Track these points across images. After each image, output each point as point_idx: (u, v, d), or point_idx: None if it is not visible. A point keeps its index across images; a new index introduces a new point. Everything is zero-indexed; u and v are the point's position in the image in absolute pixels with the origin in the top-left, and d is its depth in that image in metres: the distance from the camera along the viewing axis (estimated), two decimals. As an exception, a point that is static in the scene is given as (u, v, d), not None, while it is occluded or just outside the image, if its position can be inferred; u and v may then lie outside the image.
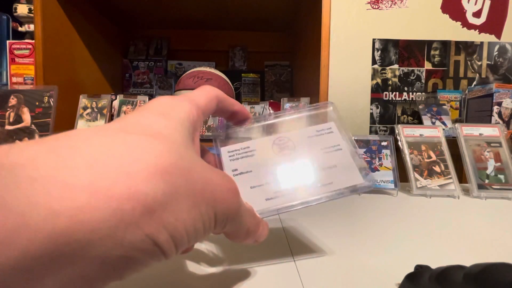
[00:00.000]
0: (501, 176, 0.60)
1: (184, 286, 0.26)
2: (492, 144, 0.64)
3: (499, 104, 0.89)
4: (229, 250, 0.33)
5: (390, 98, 1.04)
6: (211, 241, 0.35)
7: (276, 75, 1.34)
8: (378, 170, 0.63)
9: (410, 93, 1.04)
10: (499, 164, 0.62)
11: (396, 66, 1.03)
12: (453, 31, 1.03)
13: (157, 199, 0.12)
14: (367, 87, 1.04)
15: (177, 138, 0.15)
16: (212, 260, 0.31)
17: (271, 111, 0.96)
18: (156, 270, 0.27)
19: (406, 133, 0.66)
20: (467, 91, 1.01)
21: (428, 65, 1.04)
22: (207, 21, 1.25)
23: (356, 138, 0.67)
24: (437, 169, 0.62)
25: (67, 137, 0.12)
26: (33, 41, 0.84)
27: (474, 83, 1.05)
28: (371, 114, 1.04)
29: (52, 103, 0.69)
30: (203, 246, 0.33)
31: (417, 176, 0.61)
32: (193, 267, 0.29)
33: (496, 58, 1.04)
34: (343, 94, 1.04)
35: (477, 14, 1.03)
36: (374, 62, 1.03)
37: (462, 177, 0.84)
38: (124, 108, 0.78)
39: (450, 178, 0.61)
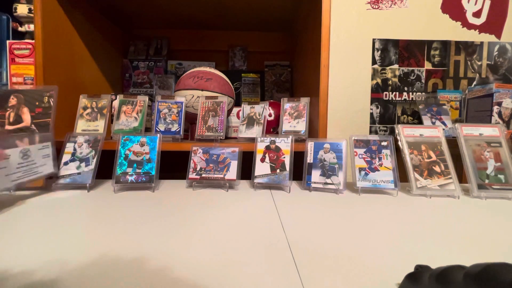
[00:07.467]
0: (501, 176, 0.60)
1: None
2: (492, 144, 0.64)
3: (499, 104, 0.89)
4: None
5: (390, 98, 1.04)
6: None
7: (276, 75, 1.35)
8: (378, 170, 0.63)
9: (410, 93, 1.04)
10: (499, 164, 0.62)
11: (396, 66, 1.03)
12: (453, 31, 1.03)
13: None
14: (367, 87, 1.04)
15: None
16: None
17: (271, 111, 0.96)
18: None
19: (406, 133, 0.66)
20: (467, 91, 1.01)
21: (428, 65, 1.04)
22: (207, 21, 1.25)
23: (356, 138, 0.67)
24: (437, 169, 0.62)
25: None
26: (33, 41, 0.84)
27: (474, 83, 1.05)
28: (371, 114, 1.04)
29: (52, 103, 0.69)
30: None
31: (417, 176, 0.61)
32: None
33: (496, 58, 1.04)
34: (343, 94, 1.04)
35: (477, 14, 1.03)
36: (374, 62, 1.03)
37: (462, 177, 0.84)
38: (124, 108, 0.78)
39: (450, 178, 0.60)
